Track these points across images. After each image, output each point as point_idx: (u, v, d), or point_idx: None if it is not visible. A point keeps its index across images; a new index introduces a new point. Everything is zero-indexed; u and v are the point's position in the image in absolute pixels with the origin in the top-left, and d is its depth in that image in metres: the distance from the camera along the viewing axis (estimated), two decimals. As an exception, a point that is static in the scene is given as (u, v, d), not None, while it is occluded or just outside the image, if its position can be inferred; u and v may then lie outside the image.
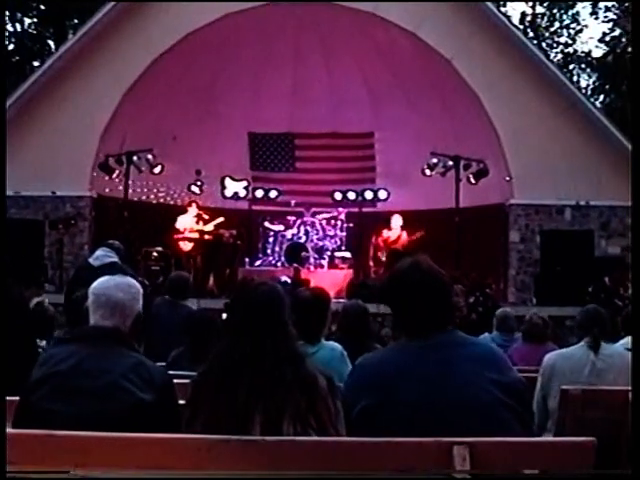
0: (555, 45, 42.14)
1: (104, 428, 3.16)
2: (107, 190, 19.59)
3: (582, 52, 41.65)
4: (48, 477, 2.96)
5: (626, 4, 36.09)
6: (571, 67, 40.91)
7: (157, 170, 19.43)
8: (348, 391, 3.61)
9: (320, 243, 20.01)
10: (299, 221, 20.14)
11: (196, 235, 18.84)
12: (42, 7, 35.83)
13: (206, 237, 18.91)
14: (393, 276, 3.83)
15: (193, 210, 19.22)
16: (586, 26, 41.78)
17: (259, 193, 21.42)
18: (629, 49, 34.76)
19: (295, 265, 19.01)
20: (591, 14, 40.44)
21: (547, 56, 24.46)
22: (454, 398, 3.44)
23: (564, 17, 42.09)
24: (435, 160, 19.11)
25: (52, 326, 6.92)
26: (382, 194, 21.17)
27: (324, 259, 19.83)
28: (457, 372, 3.50)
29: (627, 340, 7.33)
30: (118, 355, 3.81)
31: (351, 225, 20.58)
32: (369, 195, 21.29)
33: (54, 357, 3.86)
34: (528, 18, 41.82)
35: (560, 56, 41.29)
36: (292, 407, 3.29)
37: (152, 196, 20.96)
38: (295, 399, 3.30)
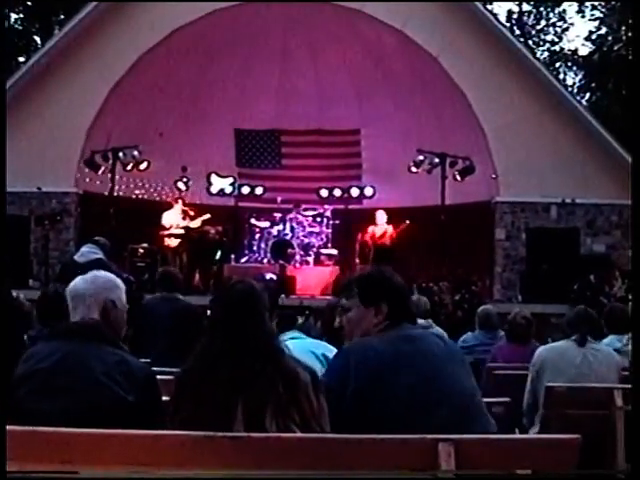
0: (541, 43, 42.22)
1: (88, 426, 3.15)
2: (93, 186, 19.54)
3: (568, 50, 41.77)
4: (48, 477, 2.95)
5: (612, 2, 36.22)
6: (557, 65, 40.96)
7: (143, 166, 19.40)
8: (335, 377, 3.70)
9: (306, 240, 20.01)
10: (285, 218, 20.13)
11: (182, 231, 18.81)
12: (28, 3, 35.76)
13: (192, 234, 18.89)
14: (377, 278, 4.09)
15: (179, 206, 19.20)
16: (572, 24, 41.92)
17: (245, 190, 21.42)
18: (615, 47, 34.90)
19: (281, 262, 19.03)
20: (577, 12, 40.55)
21: (533, 54, 24.55)
22: (442, 382, 3.68)
23: (550, 15, 42.19)
24: (421, 157, 19.08)
25: (29, 322, 6.89)
26: (368, 191, 21.19)
27: (310, 256, 19.83)
28: (435, 356, 3.77)
29: (610, 340, 7.38)
30: (100, 352, 3.79)
31: (337, 222, 20.60)
32: (355, 192, 21.31)
33: (37, 354, 3.86)
34: (515, 16, 41.94)
35: (546, 54, 41.39)
36: (274, 402, 3.29)
37: (138, 192, 20.89)
38: (277, 394, 3.31)
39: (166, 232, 18.79)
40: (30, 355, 3.88)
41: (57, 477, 2.95)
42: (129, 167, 19.14)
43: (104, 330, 3.93)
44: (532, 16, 42.51)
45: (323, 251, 19.96)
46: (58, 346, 3.83)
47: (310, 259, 19.82)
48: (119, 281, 4.25)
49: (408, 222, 18.63)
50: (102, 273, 4.26)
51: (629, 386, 5.59)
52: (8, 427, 3.13)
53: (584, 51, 40.26)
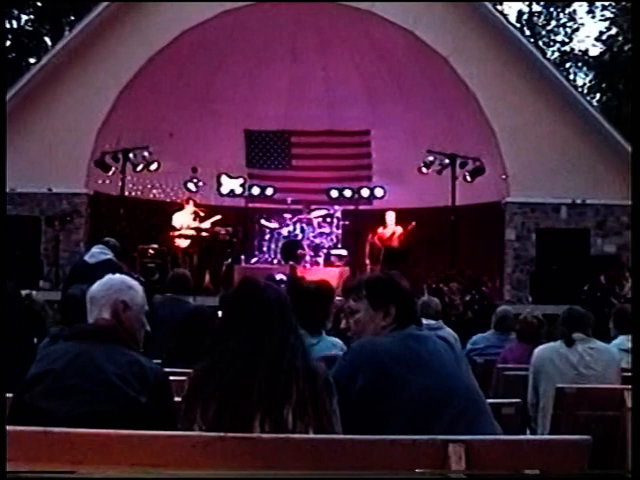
0: (552, 43, 42.14)
1: (99, 427, 3.15)
2: (103, 187, 19.57)
3: (579, 50, 41.71)
4: (49, 477, 2.95)
5: (623, 3, 36.15)
6: (567, 65, 40.92)
7: (153, 167, 19.43)
8: (343, 371, 3.73)
9: (316, 241, 19.98)
10: (295, 219, 20.12)
11: (192, 232, 18.80)
12: (38, 4, 35.81)
13: (202, 234, 18.89)
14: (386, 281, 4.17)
15: (189, 207, 19.19)
16: (583, 24, 41.87)
17: (255, 190, 21.38)
18: (626, 48, 34.83)
19: (291, 263, 19.02)
20: (588, 12, 40.50)
21: (544, 54, 24.47)
22: (450, 382, 3.75)
23: (561, 15, 42.12)
24: (431, 158, 19.11)
25: (40, 320, 6.89)
26: (378, 192, 21.15)
27: (320, 257, 19.80)
28: (442, 356, 3.86)
29: (621, 340, 7.37)
30: (113, 353, 3.80)
31: (347, 223, 20.55)
32: (365, 193, 21.27)
33: (51, 354, 3.88)
34: (525, 16, 41.86)
35: (557, 54, 41.33)
36: (293, 402, 3.28)
37: (148, 193, 20.91)
38: (296, 394, 3.30)
39: (176, 233, 18.79)
40: (45, 355, 3.92)
41: (60, 477, 2.96)
42: (139, 168, 19.18)
43: (117, 331, 3.94)
44: (542, 16, 42.45)
45: (333, 252, 19.93)
46: (71, 347, 3.86)
47: (320, 260, 19.79)
48: (134, 283, 4.25)
49: (414, 223, 18.61)
50: (117, 276, 4.29)
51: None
52: (19, 427, 3.13)
53: (594, 51, 40.26)
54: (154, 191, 21.03)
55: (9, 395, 3.79)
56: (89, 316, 4.06)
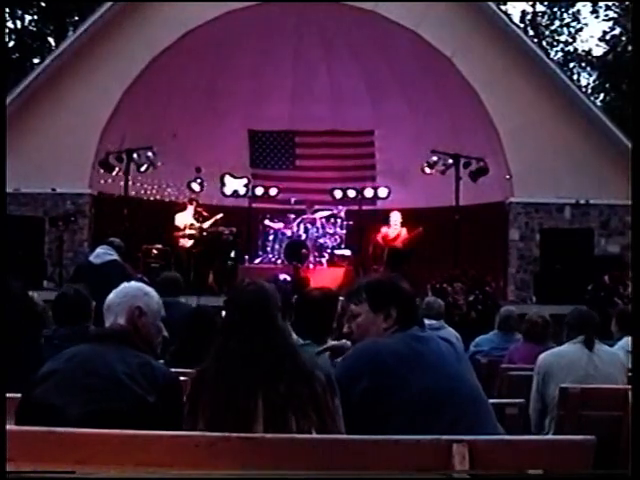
0: (555, 43, 42.14)
1: (106, 427, 3.17)
2: (107, 187, 19.57)
3: (582, 50, 41.72)
4: (51, 477, 2.95)
5: (626, 3, 36.15)
6: (571, 65, 40.93)
7: (157, 167, 19.41)
8: (345, 373, 3.74)
9: (320, 241, 19.95)
10: (299, 219, 20.10)
11: (195, 232, 18.81)
12: (42, 4, 35.85)
13: (205, 234, 18.88)
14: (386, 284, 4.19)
15: (191, 208, 19.19)
16: (586, 24, 41.86)
17: (259, 191, 21.35)
18: (629, 48, 34.81)
19: (295, 263, 18.99)
20: (591, 12, 40.51)
21: (547, 54, 24.49)
22: (453, 382, 3.77)
23: (564, 15, 42.11)
24: (435, 158, 19.07)
25: (42, 322, 6.88)
26: (382, 192, 21.12)
27: (324, 257, 19.78)
28: (445, 356, 3.89)
29: (626, 341, 7.36)
30: (125, 355, 3.85)
31: (351, 223, 20.52)
32: (369, 193, 21.24)
33: (64, 354, 3.94)
34: (528, 16, 41.86)
35: (560, 54, 41.33)
36: (294, 402, 3.30)
37: (152, 193, 20.91)
38: (296, 394, 3.31)
39: (180, 233, 18.79)
40: (60, 355, 3.96)
41: (62, 477, 2.96)
42: (143, 168, 19.16)
43: (130, 335, 4.01)
44: (546, 16, 42.45)
45: (337, 252, 19.90)
46: (85, 348, 3.94)
47: (324, 260, 19.77)
48: (150, 290, 4.33)
49: (421, 229, 18.51)
50: (133, 283, 4.38)
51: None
52: (23, 427, 3.14)
53: (598, 51, 40.31)
54: (158, 191, 21.04)
55: (14, 395, 3.80)
56: (106, 323, 4.13)
